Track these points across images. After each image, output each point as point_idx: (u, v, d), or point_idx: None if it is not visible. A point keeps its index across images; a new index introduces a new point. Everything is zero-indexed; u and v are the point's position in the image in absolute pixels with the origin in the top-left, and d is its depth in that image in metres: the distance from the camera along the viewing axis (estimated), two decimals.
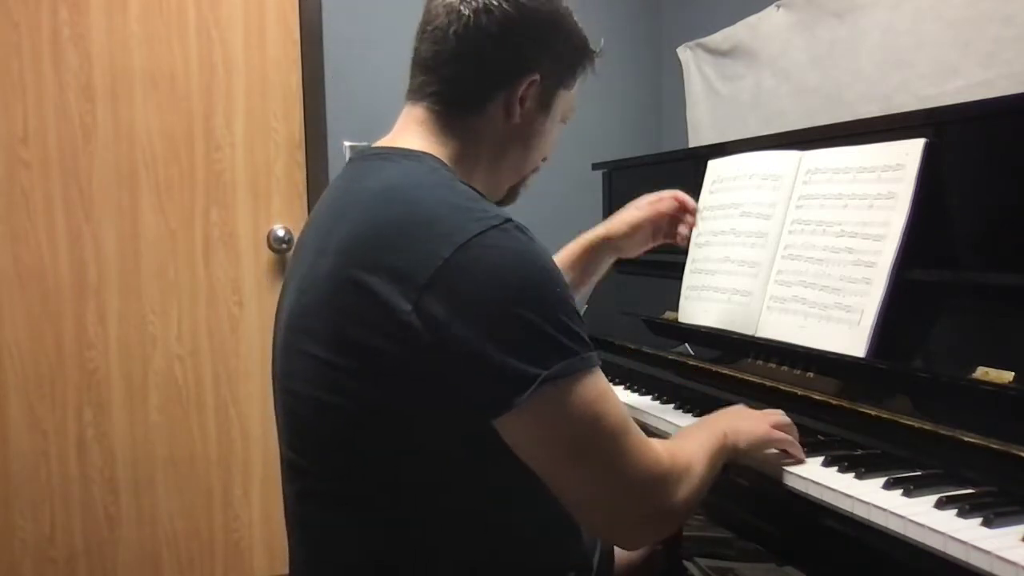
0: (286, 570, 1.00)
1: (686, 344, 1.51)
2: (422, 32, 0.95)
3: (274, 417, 0.97)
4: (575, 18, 0.98)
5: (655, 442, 0.86)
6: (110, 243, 2.12)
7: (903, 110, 1.46)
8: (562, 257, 1.37)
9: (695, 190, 1.61)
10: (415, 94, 0.96)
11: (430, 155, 0.91)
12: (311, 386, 0.85)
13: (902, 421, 1.03)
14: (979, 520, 0.82)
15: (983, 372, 0.98)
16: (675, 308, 1.57)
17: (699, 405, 1.31)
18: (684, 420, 1.28)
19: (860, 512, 0.90)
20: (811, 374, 1.21)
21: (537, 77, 0.94)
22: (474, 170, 0.95)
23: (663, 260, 1.73)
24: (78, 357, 2.11)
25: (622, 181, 2.05)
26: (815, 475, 0.99)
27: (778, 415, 1.07)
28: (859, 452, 1.07)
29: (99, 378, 2.13)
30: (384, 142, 0.96)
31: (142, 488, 2.18)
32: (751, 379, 1.30)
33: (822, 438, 1.13)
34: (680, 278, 1.57)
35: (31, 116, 2.05)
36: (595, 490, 0.82)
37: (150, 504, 2.19)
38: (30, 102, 2.04)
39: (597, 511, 0.84)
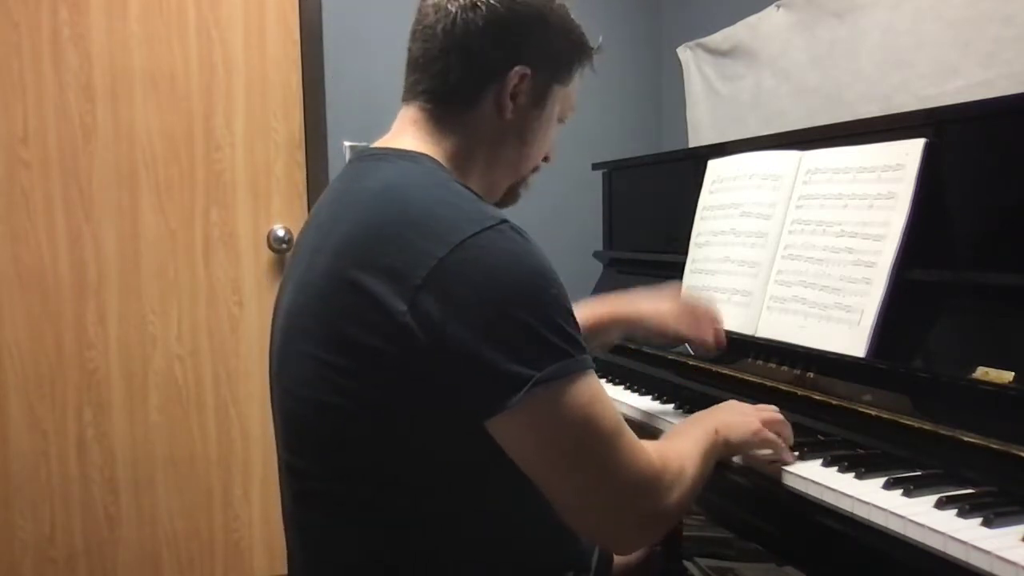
0: (286, 570, 1.00)
1: (686, 344, 1.51)
2: (414, 32, 0.96)
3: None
4: (571, 14, 0.97)
5: (647, 444, 0.86)
6: (110, 243, 2.12)
7: (903, 110, 1.46)
8: (584, 314, 1.24)
9: (695, 190, 1.62)
10: (408, 94, 0.96)
11: (426, 155, 0.91)
12: (309, 387, 0.84)
13: (902, 421, 1.03)
14: (979, 520, 0.82)
15: (983, 372, 0.98)
16: None
17: (699, 405, 1.31)
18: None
19: (860, 512, 0.90)
20: (811, 374, 1.21)
21: (528, 71, 0.93)
22: (471, 169, 0.95)
23: (663, 260, 1.73)
24: (78, 357, 2.11)
25: (622, 181, 2.05)
26: (815, 475, 0.99)
27: (770, 411, 1.07)
28: (859, 452, 1.07)
29: (99, 378, 2.13)
30: (381, 143, 0.96)
31: (142, 488, 2.18)
32: (751, 379, 1.30)
33: (822, 438, 1.13)
34: (680, 278, 1.57)
35: (31, 116, 2.05)
36: (587, 493, 0.82)
37: (150, 504, 2.19)
38: (30, 102, 2.04)
39: (589, 514, 0.84)
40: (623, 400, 1.44)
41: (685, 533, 1.81)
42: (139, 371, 2.17)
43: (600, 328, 1.33)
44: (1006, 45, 1.50)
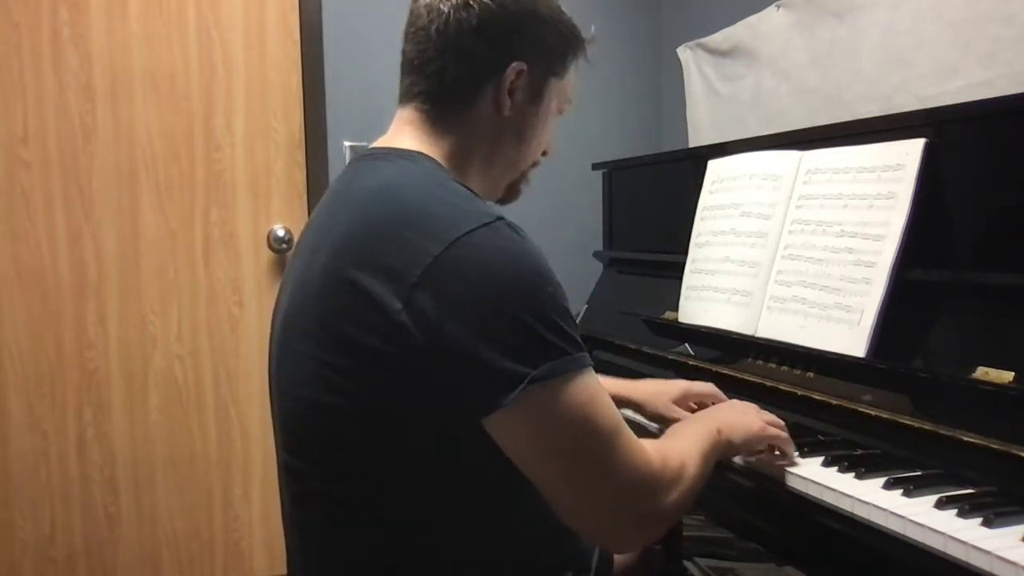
0: (286, 570, 1.00)
1: (686, 344, 1.51)
2: (407, 34, 0.95)
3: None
4: (561, 7, 0.97)
5: (647, 443, 0.86)
6: (110, 243, 2.12)
7: (903, 110, 1.46)
8: None
9: (695, 190, 1.61)
10: (404, 96, 0.97)
11: (425, 155, 0.91)
12: (308, 387, 0.84)
13: (902, 421, 1.03)
14: (979, 520, 0.82)
15: (983, 372, 0.98)
16: (675, 308, 1.57)
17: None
18: None
19: (860, 512, 0.90)
20: (811, 374, 1.21)
21: (524, 67, 0.93)
22: (469, 168, 0.95)
23: (663, 260, 1.73)
24: (78, 357, 2.11)
25: (622, 181, 2.05)
26: (815, 475, 0.99)
27: (770, 416, 1.07)
28: (859, 452, 1.07)
29: (99, 378, 2.13)
30: (378, 144, 0.96)
31: (142, 488, 2.18)
32: (751, 379, 1.30)
33: (822, 438, 1.13)
34: (680, 278, 1.57)
35: (31, 116, 2.05)
36: (585, 492, 0.81)
37: (150, 504, 2.19)
38: (30, 102, 2.04)
39: (587, 513, 0.83)
40: None
41: (685, 533, 1.81)
42: (139, 371, 2.16)
43: None
44: (1006, 45, 1.50)
